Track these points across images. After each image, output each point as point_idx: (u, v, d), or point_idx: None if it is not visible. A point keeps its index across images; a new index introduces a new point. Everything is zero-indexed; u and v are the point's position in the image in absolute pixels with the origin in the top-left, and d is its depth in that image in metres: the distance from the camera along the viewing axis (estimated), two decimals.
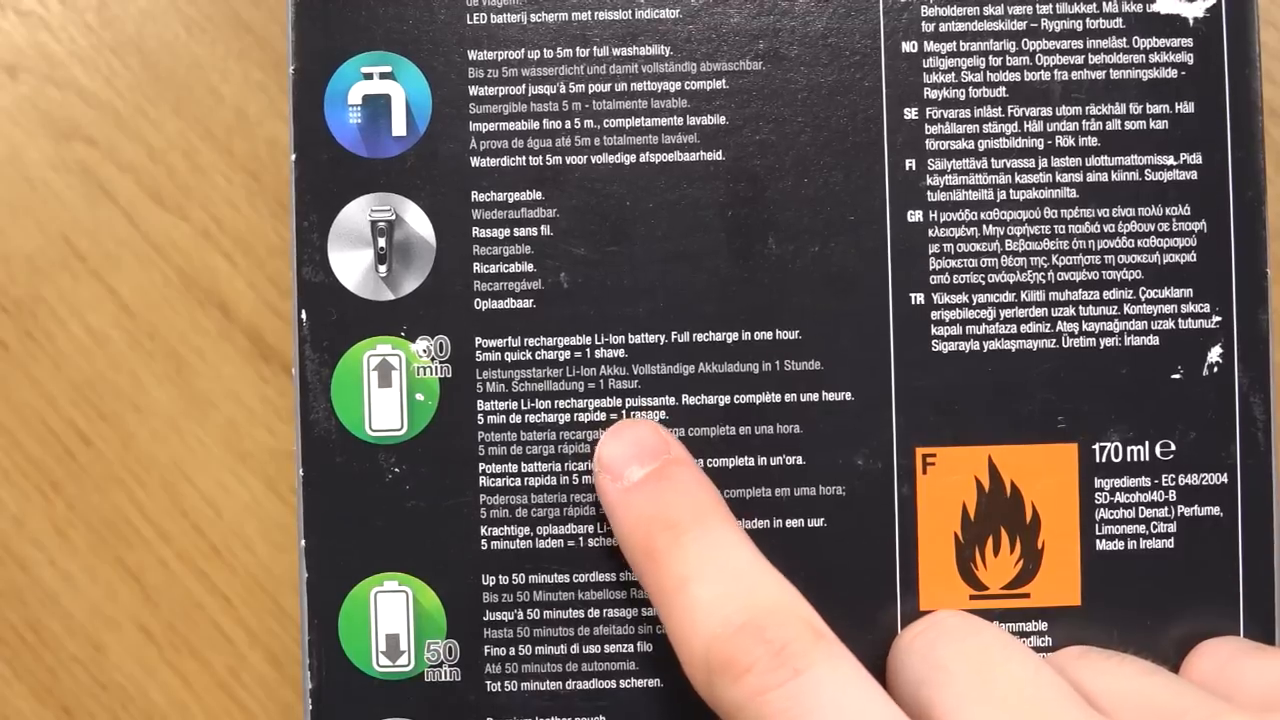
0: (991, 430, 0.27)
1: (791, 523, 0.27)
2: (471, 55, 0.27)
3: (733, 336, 0.27)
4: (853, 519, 0.27)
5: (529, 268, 0.27)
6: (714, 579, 0.23)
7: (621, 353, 0.27)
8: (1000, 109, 0.27)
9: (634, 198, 0.27)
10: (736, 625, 0.22)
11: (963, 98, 0.27)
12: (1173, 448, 0.27)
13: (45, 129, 0.32)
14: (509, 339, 0.27)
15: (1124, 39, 0.27)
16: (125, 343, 0.32)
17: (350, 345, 0.27)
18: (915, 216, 0.27)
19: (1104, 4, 0.27)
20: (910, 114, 0.27)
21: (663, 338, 0.27)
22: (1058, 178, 0.27)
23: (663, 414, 0.27)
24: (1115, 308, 0.27)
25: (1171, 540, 0.27)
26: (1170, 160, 0.27)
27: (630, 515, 0.25)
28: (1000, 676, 0.23)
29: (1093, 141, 0.27)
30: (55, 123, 0.32)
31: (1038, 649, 0.27)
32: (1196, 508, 0.27)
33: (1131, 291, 0.27)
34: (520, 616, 0.27)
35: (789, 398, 0.27)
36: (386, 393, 0.27)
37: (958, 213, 0.27)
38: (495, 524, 0.27)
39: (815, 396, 0.27)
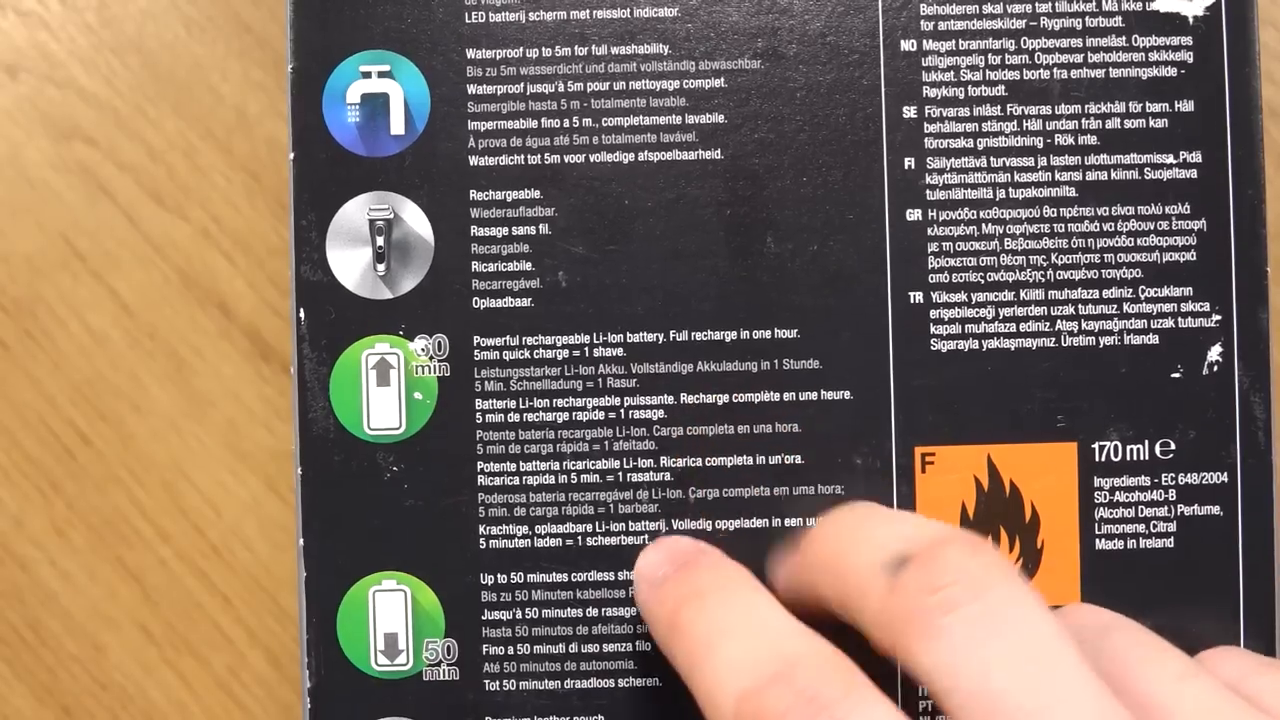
0: (991, 429, 0.27)
1: (790, 522, 0.27)
2: (470, 54, 0.27)
3: (731, 335, 0.27)
4: None
5: (527, 266, 0.27)
6: (740, 636, 0.23)
7: (620, 351, 0.27)
8: (999, 107, 0.27)
9: (632, 196, 0.27)
10: (767, 677, 0.22)
11: (962, 96, 0.27)
12: (1172, 447, 0.27)
13: (45, 129, 0.32)
14: (507, 338, 0.27)
15: (1123, 37, 0.27)
16: (125, 343, 0.32)
17: (348, 344, 0.27)
18: (914, 215, 0.27)
19: (1103, 2, 0.27)
20: (909, 112, 0.27)
21: (661, 336, 0.27)
22: (1057, 176, 0.27)
23: (661, 412, 0.27)
24: (1115, 306, 0.27)
25: (1171, 540, 0.27)
26: (1170, 159, 0.27)
27: (662, 604, 0.24)
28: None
29: (1092, 140, 0.27)
30: (55, 123, 0.32)
31: None
32: (1196, 507, 0.27)
33: (1131, 290, 0.27)
34: (519, 615, 0.27)
35: (787, 396, 0.27)
36: (385, 391, 0.27)
37: (957, 211, 0.27)
38: (494, 523, 0.27)
39: (814, 395, 0.27)
